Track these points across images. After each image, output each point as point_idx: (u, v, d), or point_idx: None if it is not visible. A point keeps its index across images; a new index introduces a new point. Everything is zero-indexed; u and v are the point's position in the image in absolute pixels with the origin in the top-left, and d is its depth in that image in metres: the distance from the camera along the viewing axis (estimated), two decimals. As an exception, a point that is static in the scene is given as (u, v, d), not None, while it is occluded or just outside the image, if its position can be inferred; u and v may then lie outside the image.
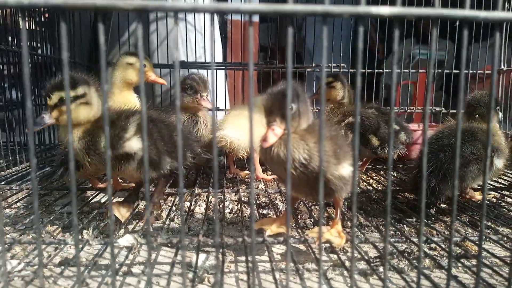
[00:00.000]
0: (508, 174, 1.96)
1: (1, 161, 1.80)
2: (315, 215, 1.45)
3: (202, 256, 1.09)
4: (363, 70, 2.49)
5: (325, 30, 0.63)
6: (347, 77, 2.50)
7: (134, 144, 1.23)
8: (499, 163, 1.50)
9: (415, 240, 1.15)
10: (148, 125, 1.25)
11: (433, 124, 2.52)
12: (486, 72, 2.61)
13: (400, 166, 2.18)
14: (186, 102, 1.73)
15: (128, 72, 1.70)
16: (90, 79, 1.24)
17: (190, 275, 1.00)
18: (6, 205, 1.48)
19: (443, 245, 1.18)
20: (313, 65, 2.52)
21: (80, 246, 1.12)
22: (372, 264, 1.06)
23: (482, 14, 0.66)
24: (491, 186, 1.83)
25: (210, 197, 1.63)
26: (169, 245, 1.19)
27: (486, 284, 0.97)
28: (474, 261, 1.12)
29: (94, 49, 2.58)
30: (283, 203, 1.60)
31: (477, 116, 1.59)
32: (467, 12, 0.65)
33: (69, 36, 2.11)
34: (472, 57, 2.68)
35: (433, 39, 0.67)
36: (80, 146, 1.21)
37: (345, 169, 1.07)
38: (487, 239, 1.19)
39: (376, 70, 2.48)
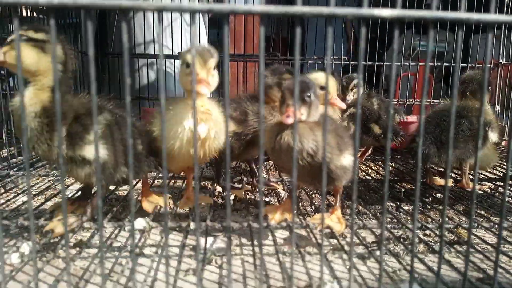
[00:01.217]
0: (503, 166, 2.03)
1: (12, 148, 1.85)
2: (315, 203, 1.52)
3: (209, 239, 1.16)
4: (364, 63, 2.55)
5: (330, 31, 0.69)
6: (348, 69, 2.55)
7: (89, 151, 1.09)
8: (493, 136, 1.59)
9: (411, 226, 1.22)
10: (111, 129, 1.13)
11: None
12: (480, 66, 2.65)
13: (398, 157, 2.25)
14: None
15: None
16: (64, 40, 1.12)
17: (199, 256, 1.07)
18: (20, 191, 1.54)
19: (437, 232, 1.26)
20: (315, 57, 2.57)
21: (94, 229, 1.19)
22: (369, 248, 1.14)
23: (475, 16, 0.72)
24: (486, 177, 1.90)
25: (215, 184, 1.69)
26: (177, 229, 1.25)
27: (477, 268, 1.04)
28: (465, 247, 1.19)
29: (100, 41, 2.63)
30: (284, 191, 1.67)
31: (468, 93, 1.65)
32: (461, 14, 0.71)
33: (78, 28, 2.14)
34: (472, 49, 2.72)
35: (430, 39, 0.73)
36: (34, 125, 1.05)
37: (346, 159, 1.14)
38: (480, 226, 1.26)
39: (376, 63, 2.53)
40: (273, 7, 0.68)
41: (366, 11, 0.69)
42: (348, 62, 2.53)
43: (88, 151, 1.09)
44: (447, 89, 2.79)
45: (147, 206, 1.26)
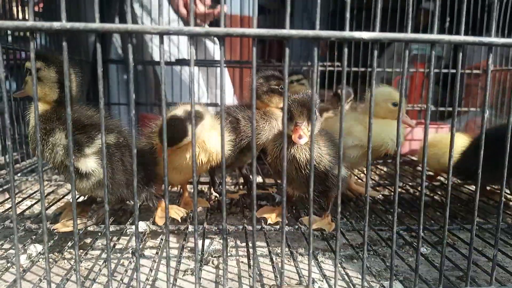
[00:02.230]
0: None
1: (15, 153, 1.93)
2: (307, 206, 1.61)
3: (206, 241, 1.25)
4: (356, 69, 2.64)
5: (315, 51, 0.78)
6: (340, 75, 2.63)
7: (89, 163, 1.15)
8: None
9: (397, 228, 1.31)
10: (113, 151, 1.18)
11: (421, 121, 2.67)
12: (474, 71, 2.75)
13: (390, 161, 2.35)
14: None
15: None
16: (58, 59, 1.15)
17: (197, 257, 1.16)
18: (25, 196, 1.62)
19: (422, 234, 1.34)
20: (309, 63, 2.66)
21: (99, 233, 1.27)
22: (357, 249, 1.22)
23: (446, 37, 0.81)
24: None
25: (211, 190, 1.78)
26: (176, 231, 1.34)
27: (456, 266, 1.13)
28: (449, 248, 1.27)
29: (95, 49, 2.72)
30: (279, 195, 1.75)
31: None
32: (432, 36, 0.80)
33: (76, 37, 2.23)
34: (467, 52, 2.81)
35: (405, 59, 0.81)
36: (32, 124, 1.16)
37: (342, 169, 1.24)
38: (462, 228, 1.35)
39: (368, 69, 2.62)
40: (264, 30, 0.77)
41: (347, 33, 0.78)
42: (340, 69, 2.62)
43: (83, 164, 1.15)
44: (444, 93, 2.87)
45: (159, 220, 1.30)
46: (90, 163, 1.15)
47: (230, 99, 2.79)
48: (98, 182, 1.17)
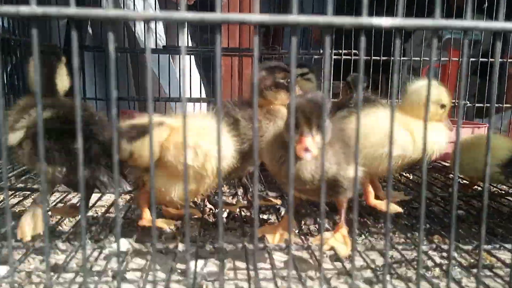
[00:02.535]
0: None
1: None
2: (319, 220, 1.62)
3: (200, 262, 1.26)
4: (377, 58, 2.66)
5: (327, 40, 0.79)
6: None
7: (12, 137, 1.32)
8: None
9: (425, 247, 1.33)
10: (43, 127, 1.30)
11: (454, 119, 2.68)
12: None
13: (417, 167, 2.36)
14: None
15: None
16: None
17: (189, 282, 1.17)
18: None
19: (455, 253, 1.36)
20: (320, 51, 2.68)
21: (72, 252, 1.28)
22: (378, 272, 1.23)
23: (482, 24, 0.83)
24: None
25: (205, 201, 1.79)
26: (163, 251, 1.35)
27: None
28: (486, 271, 1.28)
29: (68, 35, 2.74)
30: (284, 206, 1.77)
31: None
32: (466, 22, 0.81)
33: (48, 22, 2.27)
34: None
35: (433, 49, 0.83)
36: None
37: (352, 171, 1.25)
38: (502, 247, 1.36)
39: (391, 58, 2.63)
40: (268, 16, 0.79)
41: (365, 20, 0.79)
42: (358, 57, 2.64)
43: (11, 137, 1.31)
44: (482, 84, 2.86)
45: (146, 222, 1.34)
46: (13, 137, 1.31)
47: (198, 93, 2.77)
48: (27, 153, 1.31)
